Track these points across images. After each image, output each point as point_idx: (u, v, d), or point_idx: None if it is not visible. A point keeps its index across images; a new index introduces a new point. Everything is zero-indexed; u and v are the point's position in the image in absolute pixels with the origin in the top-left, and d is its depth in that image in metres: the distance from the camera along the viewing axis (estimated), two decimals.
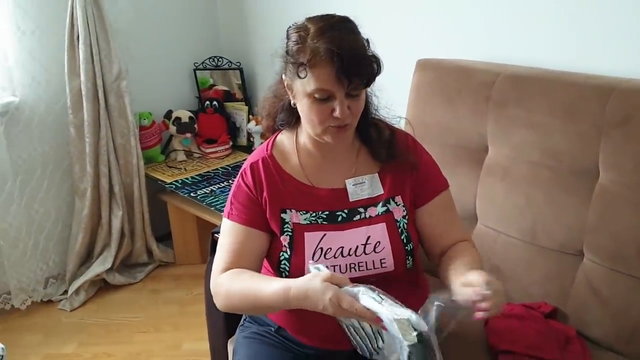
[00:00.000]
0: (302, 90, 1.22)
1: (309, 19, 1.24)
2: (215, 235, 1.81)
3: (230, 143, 3.04)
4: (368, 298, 1.08)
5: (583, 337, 1.55)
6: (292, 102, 1.30)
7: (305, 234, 1.31)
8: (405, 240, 1.34)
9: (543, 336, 1.51)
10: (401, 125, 1.45)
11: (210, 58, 3.07)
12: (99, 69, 2.56)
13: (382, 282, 1.30)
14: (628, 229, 1.50)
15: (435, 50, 2.07)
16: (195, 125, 2.96)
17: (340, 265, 1.30)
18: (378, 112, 1.39)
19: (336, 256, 1.30)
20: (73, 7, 2.47)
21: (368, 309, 1.07)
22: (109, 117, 2.66)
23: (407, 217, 1.35)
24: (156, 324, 2.56)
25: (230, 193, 1.38)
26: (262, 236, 1.34)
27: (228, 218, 1.36)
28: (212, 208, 2.49)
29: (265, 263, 1.41)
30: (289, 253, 1.31)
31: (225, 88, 3.12)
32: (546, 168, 1.66)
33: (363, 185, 1.36)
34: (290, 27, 1.27)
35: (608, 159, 1.54)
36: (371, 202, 1.35)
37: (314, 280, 1.12)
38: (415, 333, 1.03)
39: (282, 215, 1.33)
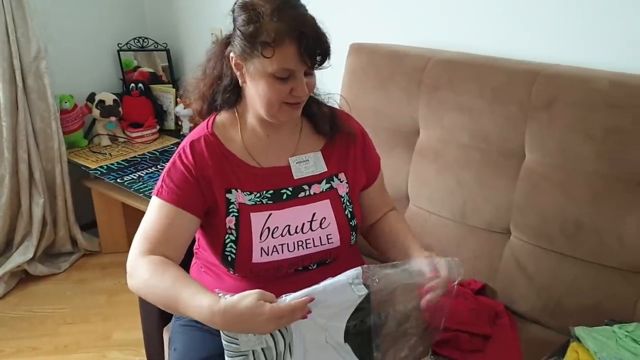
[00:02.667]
0: (261, 70, 1.19)
1: None
2: None
3: (157, 127, 2.95)
4: (295, 294, 1.10)
5: (511, 311, 1.62)
6: (240, 81, 1.27)
7: (251, 214, 1.29)
8: (349, 216, 1.35)
9: (474, 312, 1.56)
10: (334, 103, 1.45)
11: (135, 39, 2.97)
12: (16, 49, 2.42)
13: (327, 260, 1.36)
14: (552, 208, 1.57)
15: (367, 35, 2.09)
16: (120, 109, 2.86)
17: (287, 244, 1.30)
18: (316, 90, 1.38)
19: (283, 234, 1.30)
20: None
21: (302, 297, 1.08)
22: (28, 99, 2.52)
23: (349, 194, 1.37)
24: (83, 315, 2.47)
25: (164, 171, 1.31)
26: (192, 220, 1.27)
27: (157, 196, 1.28)
28: (141, 194, 2.41)
29: (207, 250, 1.37)
30: (235, 235, 1.28)
31: (151, 70, 3.03)
32: (475, 150, 1.72)
33: (307, 163, 1.36)
34: (236, 4, 1.23)
35: (533, 141, 1.61)
36: (315, 179, 1.35)
37: (246, 300, 1.04)
38: (363, 286, 1.12)
39: (227, 195, 1.29)
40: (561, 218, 1.55)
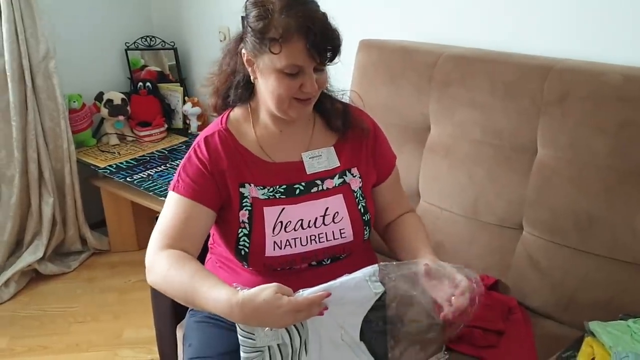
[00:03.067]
0: (270, 66, 1.20)
1: None
2: None
3: (165, 126, 2.96)
4: (312, 289, 1.10)
5: (524, 306, 1.62)
6: (251, 77, 1.28)
7: (264, 208, 1.30)
8: (362, 211, 1.36)
9: (487, 308, 1.56)
10: (347, 99, 1.46)
11: (142, 38, 2.97)
12: (25, 49, 2.42)
13: (341, 255, 1.36)
14: (564, 203, 1.57)
15: (376, 31, 2.09)
16: (128, 108, 2.86)
17: (300, 238, 1.30)
18: (329, 86, 1.39)
19: (296, 229, 1.30)
20: None
21: (319, 292, 1.08)
22: (37, 99, 2.53)
23: (362, 188, 1.38)
24: (94, 314, 2.47)
25: (180, 166, 1.33)
26: (208, 214, 1.30)
27: (174, 190, 1.30)
28: (151, 193, 2.42)
29: (221, 245, 1.38)
30: (248, 229, 1.29)
31: (158, 69, 3.03)
32: (487, 145, 1.72)
33: (320, 158, 1.36)
34: (247, 1, 1.24)
35: (546, 136, 1.61)
36: (328, 174, 1.36)
37: (265, 293, 1.05)
38: (379, 283, 1.12)
39: (241, 189, 1.31)
40: (574, 213, 1.55)
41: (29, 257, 2.61)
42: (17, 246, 2.68)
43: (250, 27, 1.21)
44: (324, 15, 1.22)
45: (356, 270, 1.21)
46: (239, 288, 1.09)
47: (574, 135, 1.55)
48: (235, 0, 2.72)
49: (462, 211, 1.76)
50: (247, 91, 1.35)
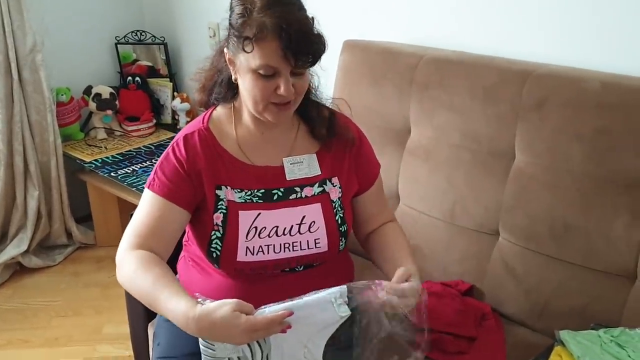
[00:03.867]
0: (245, 66, 1.18)
1: None
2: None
3: (154, 121, 2.95)
4: (276, 306, 1.07)
5: (498, 313, 1.62)
6: (233, 77, 1.26)
7: (240, 212, 1.27)
8: (339, 221, 1.33)
9: (460, 313, 1.56)
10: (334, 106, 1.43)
11: (132, 32, 2.96)
12: (12, 41, 2.42)
13: (315, 263, 1.34)
14: (540, 209, 1.56)
15: (361, 32, 2.07)
16: (117, 102, 2.85)
17: (274, 245, 1.28)
18: (318, 93, 1.37)
19: (270, 235, 1.28)
20: None
21: (280, 311, 1.06)
22: (23, 92, 2.52)
23: (342, 199, 1.35)
24: (76, 308, 2.47)
25: (157, 164, 1.31)
26: (182, 213, 1.27)
27: (148, 188, 1.28)
28: (134, 188, 2.41)
29: (195, 244, 1.36)
30: (221, 232, 1.27)
31: (149, 63, 3.02)
32: (466, 150, 1.70)
33: (301, 165, 1.33)
34: None
35: (523, 141, 1.60)
36: (308, 182, 1.33)
37: (222, 310, 1.02)
38: (346, 307, 1.08)
39: (217, 191, 1.28)
40: (550, 219, 1.54)
41: (13, 250, 2.61)
42: (2, 239, 2.67)
43: (231, 24, 1.20)
44: (305, 17, 1.18)
45: (328, 279, 1.21)
46: (200, 300, 1.07)
47: (551, 141, 1.54)
48: None
49: (441, 215, 1.75)
50: (230, 91, 1.32)
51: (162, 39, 2.94)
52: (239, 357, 1.10)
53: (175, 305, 1.07)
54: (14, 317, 2.41)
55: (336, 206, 1.34)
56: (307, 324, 1.10)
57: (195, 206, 1.30)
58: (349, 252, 1.50)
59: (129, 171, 2.54)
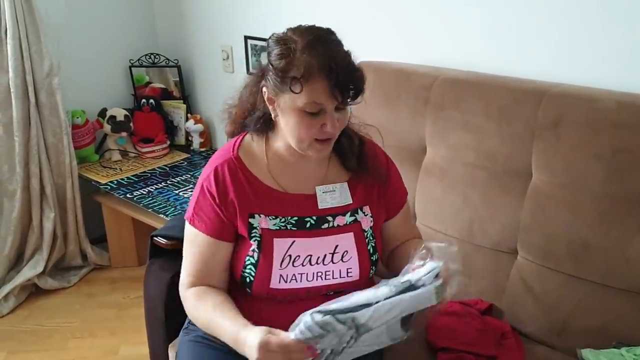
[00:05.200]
0: (290, 105, 1.19)
1: (292, 30, 1.21)
2: (155, 239, 1.78)
3: (168, 142, 2.98)
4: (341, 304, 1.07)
5: (517, 332, 1.61)
6: (273, 115, 1.26)
7: (275, 240, 1.29)
8: (371, 251, 1.34)
9: (479, 332, 1.55)
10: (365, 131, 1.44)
11: (146, 55, 3.00)
12: (29, 65, 2.45)
13: (344, 290, 1.33)
14: (558, 228, 1.56)
15: (374, 53, 2.09)
16: (131, 124, 2.88)
17: (307, 274, 1.29)
18: (350, 121, 1.37)
19: (304, 264, 1.29)
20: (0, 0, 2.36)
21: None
22: (40, 115, 2.55)
23: (373, 228, 1.36)
24: (91, 329, 2.48)
25: (193, 197, 1.33)
26: (228, 247, 1.32)
27: (191, 225, 1.32)
28: (150, 210, 2.43)
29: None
30: (255, 258, 1.29)
31: (162, 86, 3.06)
32: (482, 169, 1.71)
33: (333, 194, 1.34)
34: (271, 37, 1.24)
35: (540, 160, 1.60)
36: (340, 210, 1.34)
37: (258, 334, 1.11)
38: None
39: (250, 220, 1.30)
40: (568, 238, 1.54)
41: (29, 271, 2.62)
42: (18, 260, 2.69)
43: (272, 64, 1.20)
44: (347, 53, 1.20)
45: None
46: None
47: (568, 160, 1.55)
48: (237, 20, 2.76)
49: (457, 234, 1.76)
50: (266, 126, 1.33)
51: (176, 61, 2.98)
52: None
53: (230, 332, 1.20)
54: (29, 338, 2.42)
55: (368, 235, 1.34)
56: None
57: (235, 234, 1.33)
58: None
59: (144, 192, 2.56)
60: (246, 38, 2.67)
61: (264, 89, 1.25)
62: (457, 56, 1.95)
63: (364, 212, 1.36)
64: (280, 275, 1.28)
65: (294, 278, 1.29)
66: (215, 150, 2.93)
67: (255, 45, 2.64)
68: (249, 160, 1.33)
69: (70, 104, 2.73)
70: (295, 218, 1.31)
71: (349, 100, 1.19)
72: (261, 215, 1.30)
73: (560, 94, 1.59)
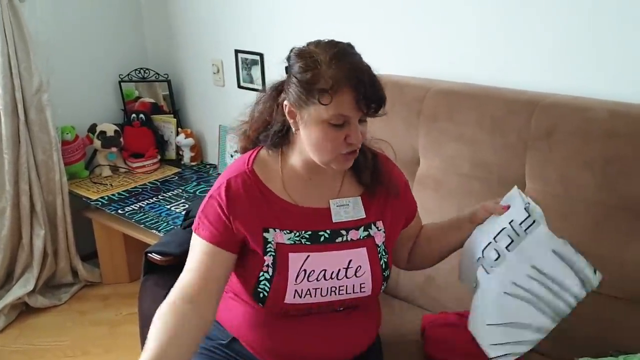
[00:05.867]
0: (315, 117, 1.19)
1: (314, 45, 1.22)
2: (149, 255, 1.77)
3: (158, 157, 2.97)
4: None
5: None
6: (293, 129, 1.26)
7: (290, 254, 1.27)
8: (383, 266, 1.34)
9: (476, 343, 1.55)
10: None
11: (136, 70, 2.99)
12: (18, 82, 2.44)
13: (354, 305, 1.34)
14: None
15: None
16: (121, 139, 2.87)
17: (321, 289, 1.28)
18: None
19: (319, 279, 1.28)
20: None
21: None
22: (30, 131, 2.54)
23: (385, 243, 1.36)
24: (84, 347, 2.45)
25: (200, 206, 1.32)
26: (229, 258, 1.28)
27: (196, 233, 1.30)
28: (142, 225, 2.41)
29: (235, 280, 1.36)
30: (270, 273, 1.27)
31: (152, 100, 3.05)
32: (476, 179, 1.72)
33: (347, 207, 1.34)
34: (292, 51, 1.24)
35: (534, 171, 1.62)
36: (353, 224, 1.33)
37: None
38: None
39: (265, 234, 1.28)
40: None
41: (19, 290, 2.59)
42: (8, 279, 2.66)
43: (296, 77, 1.20)
44: (369, 67, 1.22)
45: (363, 319, 1.35)
46: None
47: (561, 170, 1.56)
48: (228, 34, 2.76)
49: None
50: (283, 140, 1.32)
51: (166, 76, 2.97)
52: None
53: None
54: (21, 358, 2.39)
55: (381, 251, 1.34)
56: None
57: (239, 248, 1.30)
58: None
59: (135, 208, 2.54)
60: (237, 52, 2.67)
61: (285, 102, 1.24)
62: (449, 68, 1.97)
63: (377, 227, 1.36)
64: (295, 290, 1.27)
65: (308, 293, 1.28)
66: (207, 164, 2.96)
67: (246, 59, 2.65)
68: (264, 175, 1.32)
69: (60, 120, 2.72)
70: (310, 232, 1.30)
71: (372, 111, 1.20)
72: (276, 229, 1.29)
73: (552, 104, 1.61)
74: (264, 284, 1.27)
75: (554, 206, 1.57)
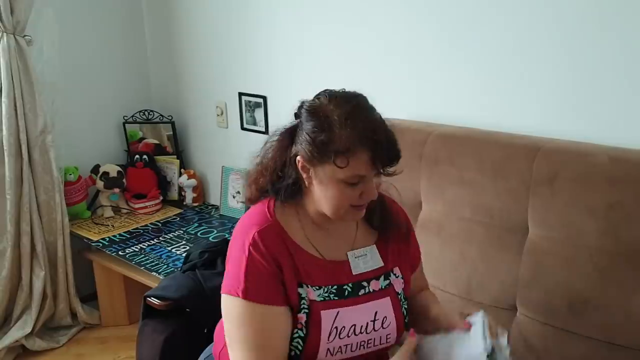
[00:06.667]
0: (330, 176, 1.17)
1: (326, 99, 1.19)
2: (148, 299, 1.75)
3: (161, 198, 2.97)
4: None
5: None
6: (306, 183, 1.23)
7: (322, 312, 1.22)
8: (405, 313, 1.32)
9: None
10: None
11: (140, 111, 3.02)
12: (23, 123, 2.46)
13: (381, 355, 1.31)
14: (558, 284, 1.55)
15: None
16: (124, 180, 2.88)
17: (352, 344, 1.25)
18: None
19: (349, 335, 1.24)
20: None
21: None
22: (32, 172, 2.54)
23: (404, 289, 1.34)
24: None
25: (237, 266, 1.21)
26: (286, 313, 1.20)
27: (244, 298, 1.17)
28: (142, 267, 2.39)
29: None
30: (304, 332, 1.21)
31: (156, 141, 3.07)
32: (478, 224, 1.71)
33: (365, 258, 1.31)
34: (303, 106, 1.22)
35: (536, 215, 1.60)
36: (372, 274, 1.31)
37: None
38: None
39: (299, 289, 1.22)
40: (568, 294, 1.53)
41: (17, 332, 2.56)
42: (5, 321, 2.63)
43: (309, 136, 1.16)
44: (385, 123, 1.19)
45: None
46: None
47: (564, 215, 1.55)
48: (232, 77, 2.78)
49: (456, 290, 1.74)
50: (297, 192, 1.27)
51: (170, 117, 3.00)
52: None
53: None
54: None
55: (401, 298, 1.32)
56: None
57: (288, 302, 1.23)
58: None
59: (136, 249, 2.53)
60: (240, 94, 2.69)
61: (298, 158, 1.21)
62: (449, 112, 1.98)
63: (395, 274, 1.34)
64: (328, 349, 1.23)
65: (339, 350, 1.24)
66: (209, 205, 2.95)
67: (250, 102, 2.67)
68: (286, 226, 1.26)
69: (64, 160, 2.73)
70: (335, 287, 1.26)
71: (389, 168, 1.19)
72: (308, 285, 1.24)
73: (553, 150, 1.61)
74: (297, 342, 1.21)
75: (558, 252, 1.56)
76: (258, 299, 1.18)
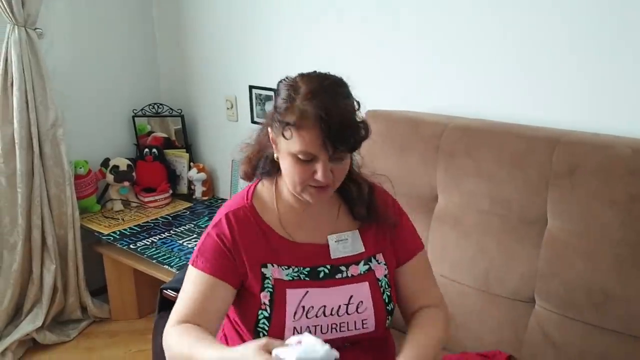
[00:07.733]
0: (285, 148, 1.19)
1: (302, 77, 1.21)
2: (165, 291, 1.74)
3: (170, 191, 2.96)
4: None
5: None
6: (275, 155, 1.26)
7: (287, 290, 1.25)
8: (386, 300, 1.31)
9: None
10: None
11: (149, 105, 3.01)
12: (34, 116, 2.45)
13: (356, 343, 1.30)
14: (577, 276, 1.54)
15: (382, 101, 2.11)
16: (134, 174, 2.87)
17: (321, 326, 1.26)
18: (359, 170, 1.35)
19: (318, 315, 1.25)
20: (8, 52, 2.38)
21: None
22: (43, 166, 2.54)
23: (388, 276, 1.33)
24: None
25: (199, 241, 1.30)
26: (227, 289, 1.25)
27: (192, 265, 1.28)
28: (154, 260, 2.39)
29: (239, 323, 1.33)
30: (268, 311, 1.24)
31: (165, 135, 3.06)
32: (496, 216, 1.70)
33: (345, 242, 1.32)
34: (281, 81, 1.24)
35: (555, 208, 1.59)
36: (353, 259, 1.31)
37: (249, 348, 1.04)
38: None
39: (263, 269, 1.26)
40: (587, 287, 1.52)
41: (28, 325, 2.55)
42: (16, 314, 2.62)
43: (275, 107, 1.21)
44: (348, 106, 1.19)
45: (372, 354, 1.26)
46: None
47: (584, 208, 1.54)
48: (243, 70, 2.78)
49: (473, 283, 1.73)
50: (274, 167, 1.30)
51: (179, 111, 2.99)
52: None
53: (210, 357, 1.10)
54: None
55: (383, 284, 1.31)
56: None
57: (239, 282, 1.28)
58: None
59: (147, 243, 2.52)
60: (251, 88, 2.68)
61: (269, 129, 1.25)
62: (466, 104, 1.97)
63: (377, 261, 1.33)
64: (294, 327, 1.24)
65: (307, 330, 1.24)
66: (218, 199, 2.95)
67: (260, 95, 2.66)
68: (261, 208, 1.31)
69: (74, 154, 2.72)
70: (308, 268, 1.28)
71: (342, 152, 1.18)
72: (274, 265, 1.27)
73: (573, 142, 1.60)
74: (264, 323, 1.25)
75: (578, 245, 1.55)
76: (203, 268, 1.25)
